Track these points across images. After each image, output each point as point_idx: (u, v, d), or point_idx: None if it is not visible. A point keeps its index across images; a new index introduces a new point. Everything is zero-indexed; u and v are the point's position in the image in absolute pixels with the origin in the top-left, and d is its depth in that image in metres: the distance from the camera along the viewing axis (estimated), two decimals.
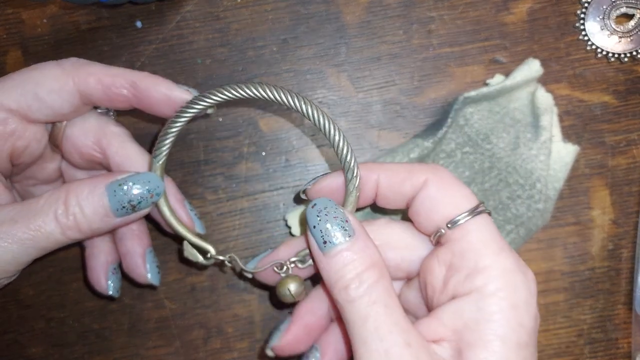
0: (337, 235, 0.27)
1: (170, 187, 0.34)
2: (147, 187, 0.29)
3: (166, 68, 0.39)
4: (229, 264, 0.33)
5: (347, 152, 0.29)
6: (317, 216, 0.27)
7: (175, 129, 0.31)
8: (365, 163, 0.31)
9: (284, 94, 0.29)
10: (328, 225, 0.27)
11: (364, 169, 0.30)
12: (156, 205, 0.32)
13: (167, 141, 0.31)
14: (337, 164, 0.39)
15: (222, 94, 0.30)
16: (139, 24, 0.40)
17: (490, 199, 0.38)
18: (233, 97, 0.30)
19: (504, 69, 0.39)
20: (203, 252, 0.33)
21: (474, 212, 0.27)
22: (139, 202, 0.29)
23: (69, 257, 0.40)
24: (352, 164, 0.29)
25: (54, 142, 0.33)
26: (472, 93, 0.38)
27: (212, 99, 0.30)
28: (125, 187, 0.29)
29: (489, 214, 0.28)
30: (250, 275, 0.33)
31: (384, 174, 0.30)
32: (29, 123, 0.31)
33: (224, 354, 0.40)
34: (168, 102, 0.31)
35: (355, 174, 0.29)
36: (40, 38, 0.40)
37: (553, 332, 0.39)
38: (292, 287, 0.31)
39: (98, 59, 0.39)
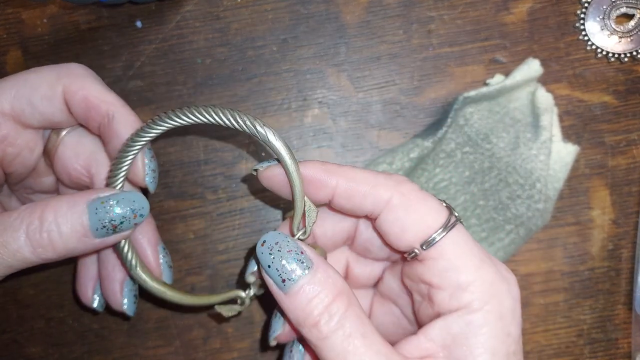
0: (295, 270, 0.25)
1: (148, 225, 0.32)
2: (131, 207, 0.27)
3: (166, 68, 0.39)
4: (257, 289, 0.32)
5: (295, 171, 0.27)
6: (270, 254, 0.26)
7: (130, 157, 0.29)
8: (326, 164, 0.28)
9: (212, 113, 0.27)
10: (284, 262, 0.25)
11: (323, 170, 0.28)
12: (138, 282, 0.31)
13: (123, 169, 0.29)
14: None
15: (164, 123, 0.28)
16: (139, 23, 0.40)
17: (490, 198, 0.38)
18: (175, 125, 0.28)
19: (504, 68, 0.39)
20: (233, 300, 0.32)
21: (447, 227, 0.26)
22: (121, 223, 0.27)
23: None
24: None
25: (48, 156, 0.32)
26: (472, 93, 0.38)
27: (162, 126, 0.28)
28: (107, 206, 0.27)
29: (460, 220, 0.27)
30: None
31: (344, 183, 0.27)
32: (23, 128, 0.30)
33: (223, 354, 0.39)
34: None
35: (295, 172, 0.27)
36: (40, 38, 0.40)
37: (553, 332, 0.39)
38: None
39: (98, 59, 0.39)
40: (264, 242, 0.26)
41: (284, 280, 0.25)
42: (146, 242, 0.32)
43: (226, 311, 0.31)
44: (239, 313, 0.32)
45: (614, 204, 0.39)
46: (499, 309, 0.25)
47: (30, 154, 0.31)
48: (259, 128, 0.27)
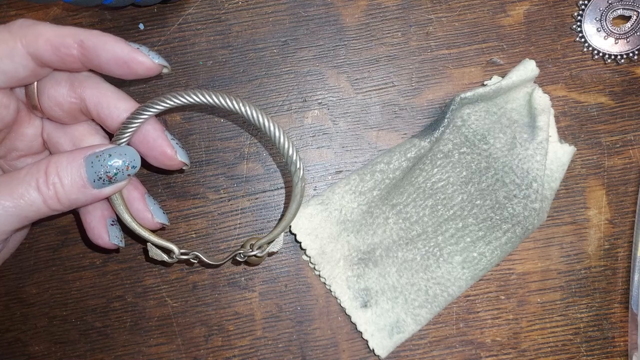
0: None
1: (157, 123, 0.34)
2: (123, 160, 0.30)
3: None
4: (194, 261, 0.35)
5: (288, 145, 0.30)
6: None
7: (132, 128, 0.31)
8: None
9: (222, 98, 0.30)
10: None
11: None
12: (115, 211, 0.33)
13: (128, 131, 0.31)
14: (337, 166, 0.40)
15: (164, 103, 0.30)
16: (141, 26, 0.40)
17: (487, 198, 0.38)
18: (179, 103, 0.30)
19: (501, 70, 0.40)
20: (167, 251, 0.34)
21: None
22: (116, 174, 0.30)
23: (71, 256, 0.40)
24: (294, 157, 0.31)
25: (32, 103, 0.32)
26: (469, 93, 0.38)
27: (160, 105, 0.31)
28: (102, 159, 0.30)
29: None
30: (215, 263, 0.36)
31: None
32: None
33: (225, 352, 0.40)
34: (117, 62, 0.30)
35: (298, 166, 0.31)
36: None
37: (549, 331, 0.40)
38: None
39: None
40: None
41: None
42: (152, 128, 0.33)
43: (153, 253, 0.34)
44: (163, 263, 0.35)
45: (610, 203, 0.40)
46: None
47: (6, 110, 0.31)
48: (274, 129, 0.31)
